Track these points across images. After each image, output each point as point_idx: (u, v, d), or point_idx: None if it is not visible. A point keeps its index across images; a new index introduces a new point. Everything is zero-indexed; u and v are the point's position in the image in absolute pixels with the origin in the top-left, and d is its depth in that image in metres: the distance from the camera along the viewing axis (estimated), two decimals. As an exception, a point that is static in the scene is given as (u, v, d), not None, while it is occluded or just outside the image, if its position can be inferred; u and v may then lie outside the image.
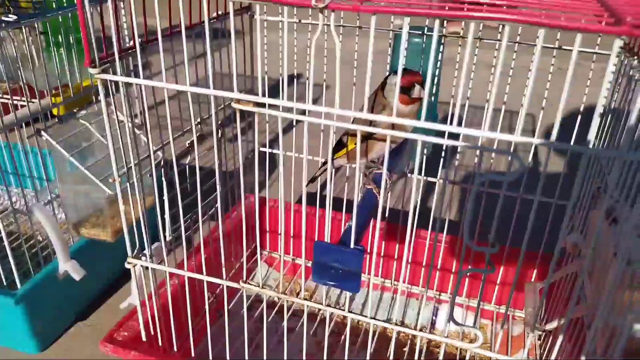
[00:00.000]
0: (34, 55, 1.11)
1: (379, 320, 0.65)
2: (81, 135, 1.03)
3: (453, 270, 1.09)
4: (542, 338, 0.95)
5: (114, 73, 0.63)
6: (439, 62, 0.92)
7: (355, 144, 0.76)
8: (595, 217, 0.75)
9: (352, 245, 0.60)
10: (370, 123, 0.55)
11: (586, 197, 0.84)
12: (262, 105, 0.57)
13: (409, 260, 1.08)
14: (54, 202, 1.10)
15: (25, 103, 0.99)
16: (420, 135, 0.53)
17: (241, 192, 0.66)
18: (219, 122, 0.95)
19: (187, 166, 0.95)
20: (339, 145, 0.79)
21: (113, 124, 0.67)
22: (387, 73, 0.76)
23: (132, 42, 0.67)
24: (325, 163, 0.87)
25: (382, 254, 1.14)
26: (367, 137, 0.73)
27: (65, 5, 1.05)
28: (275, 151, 1.07)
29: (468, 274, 1.04)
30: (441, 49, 0.92)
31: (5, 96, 1.00)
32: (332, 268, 0.61)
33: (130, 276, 0.79)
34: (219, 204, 0.74)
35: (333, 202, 0.62)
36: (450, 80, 0.90)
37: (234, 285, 0.72)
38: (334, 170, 0.91)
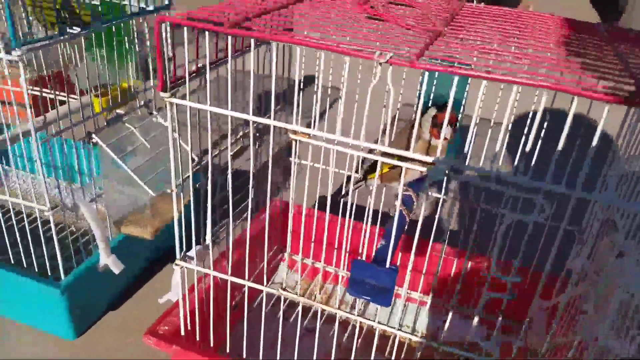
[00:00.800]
0: (76, 56, 1.18)
1: (405, 332, 0.73)
2: (126, 137, 1.10)
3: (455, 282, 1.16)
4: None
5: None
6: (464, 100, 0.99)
7: (390, 168, 0.84)
8: (604, 247, 0.82)
9: (387, 265, 0.68)
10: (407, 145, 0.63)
11: (593, 223, 0.91)
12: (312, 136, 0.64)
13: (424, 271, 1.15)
14: (98, 198, 1.17)
15: (65, 99, 1.05)
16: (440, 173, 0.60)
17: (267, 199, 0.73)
18: (258, 135, 1.02)
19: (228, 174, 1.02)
20: (373, 166, 0.86)
21: (174, 143, 0.75)
22: (418, 98, 0.83)
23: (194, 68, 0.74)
24: (358, 181, 0.94)
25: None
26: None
27: (112, 14, 1.12)
28: (304, 162, 1.14)
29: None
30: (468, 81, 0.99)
31: (48, 91, 1.06)
32: (367, 283, 0.69)
33: (155, 272, 0.87)
34: (249, 210, 0.81)
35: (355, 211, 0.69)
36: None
37: (273, 291, 0.79)
38: (368, 187, 0.98)
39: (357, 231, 1.24)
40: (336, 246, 1.24)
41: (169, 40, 0.66)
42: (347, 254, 1.26)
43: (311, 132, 0.63)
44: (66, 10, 1.05)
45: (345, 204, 1.07)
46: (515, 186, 0.58)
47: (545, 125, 0.79)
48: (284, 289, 0.77)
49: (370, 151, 0.69)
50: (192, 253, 0.86)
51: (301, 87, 0.70)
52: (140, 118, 1.15)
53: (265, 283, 0.84)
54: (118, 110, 1.16)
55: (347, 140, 0.62)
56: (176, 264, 0.84)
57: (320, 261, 1.27)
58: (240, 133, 0.95)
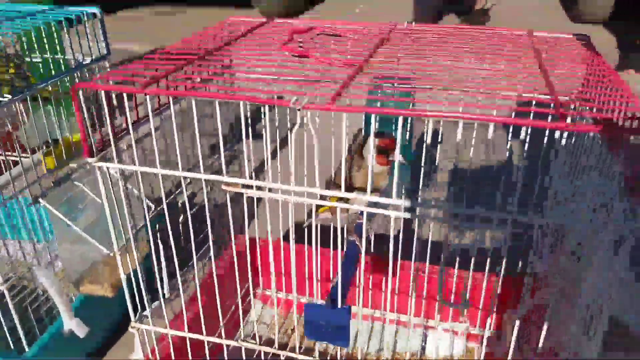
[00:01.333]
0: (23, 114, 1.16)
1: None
2: (76, 194, 1.08)
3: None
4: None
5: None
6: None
7: (336, 201, 0.83)
8: (562, 252, 0.82)
9: (339, 305, 0.66)
10: (349, 177, 0.62)
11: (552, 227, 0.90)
12: (250, 186, 0.63)
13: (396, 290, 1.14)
14: (54, 261, 1.14)
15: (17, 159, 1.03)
16: (392, 212, 0.59)
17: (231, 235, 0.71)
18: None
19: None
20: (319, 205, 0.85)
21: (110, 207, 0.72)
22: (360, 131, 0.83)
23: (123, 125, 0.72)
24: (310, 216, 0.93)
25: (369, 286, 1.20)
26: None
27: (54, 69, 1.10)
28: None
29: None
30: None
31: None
32: (322, 326, 0.67)
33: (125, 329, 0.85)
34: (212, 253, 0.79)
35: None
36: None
37: (234, 344, 0.77)
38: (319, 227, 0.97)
39: (326, 258, 1.23)
40: (307, 275, 1.22)
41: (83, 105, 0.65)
42: (318, 282, 1.25)
43: (242, 182, 0.62)
44: (19, 75, 1.05)
45: (310, 232, 1.06)
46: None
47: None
48: (244, 340, 0.75)
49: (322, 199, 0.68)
50: (148, 312, 0.83)
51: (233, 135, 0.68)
52: (90, 172, 1.13)
53: (241, 324, 0.81)
54: (71, 165, 1.14)
55: (282, 186, 0.61)
56: (132, 327, 0.81)
57: (292, 292, 1.26)
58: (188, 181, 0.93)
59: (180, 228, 0.95)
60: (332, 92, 0.57)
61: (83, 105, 0.64)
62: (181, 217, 0.91)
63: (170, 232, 0.78)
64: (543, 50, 0.73)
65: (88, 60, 1.12)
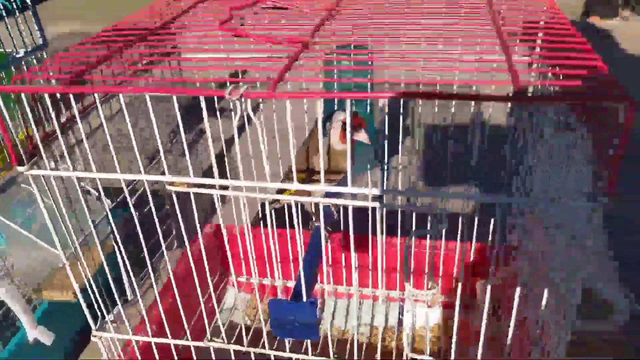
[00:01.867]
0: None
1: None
2: (26, 198, 1.02)
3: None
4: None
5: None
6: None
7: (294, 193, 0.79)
8: (531, 222, 0.79)
9: (304, 299, 0.63)
10: (308, 167, 0.58)
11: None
12: (197, 184, 0.58)
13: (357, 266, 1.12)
14: (10, 270, 1.08)
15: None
16: (350, 189, 0.55)
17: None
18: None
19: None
20: (280, 191, 0.81)
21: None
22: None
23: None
24: (273, 201, 0.88)
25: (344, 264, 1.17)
26: (309, 180, 0.75)
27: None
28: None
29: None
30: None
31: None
32: (289, 322, 0.64)
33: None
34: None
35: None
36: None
37: (200, 344, 0.74)
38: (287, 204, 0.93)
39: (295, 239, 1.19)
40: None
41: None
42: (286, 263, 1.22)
43: (188, 181, 0.57)
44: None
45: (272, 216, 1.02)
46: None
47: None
48: (210, 340, 0.72)
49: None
50: (109, 318, 0.79)
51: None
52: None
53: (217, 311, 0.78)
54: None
55: (229, 182, 0.57)
56: (93, 336, 0.77)
57: (266, 277, 1.23)
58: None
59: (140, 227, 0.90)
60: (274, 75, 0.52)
61: (2, 108, 0.58)
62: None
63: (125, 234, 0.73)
64: (500, 10, 0.69)
65: (22, 53, 1.04)
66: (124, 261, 0.78)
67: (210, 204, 0.71)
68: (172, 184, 0.58)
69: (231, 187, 0.57)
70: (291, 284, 1.21)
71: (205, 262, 0.74)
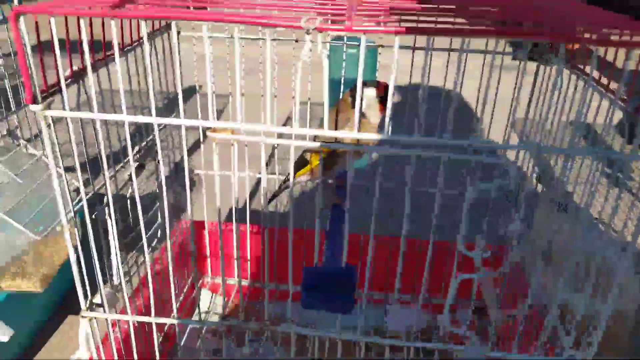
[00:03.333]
0: None
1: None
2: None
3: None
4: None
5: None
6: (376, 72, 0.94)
7: (319, 160, 0.75)
8: (543, 203, 0.81)
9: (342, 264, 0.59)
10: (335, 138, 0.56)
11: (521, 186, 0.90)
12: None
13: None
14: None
15: None
16: (390, 149, 0.53)
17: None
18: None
19: (127, 200, 0.87)
20: (301, 162, 0.77)
21: (58, 162, 0.60)
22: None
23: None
24: (285, 180, 0.84)
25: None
26: (330, 153, 0.72)
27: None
28: (211, 173, 1.02)
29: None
30: (378, 59, 0.94)
31: None
32: (323, 292, 0.60)
33: (58, 322, 0.71)
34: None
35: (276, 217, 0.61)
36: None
37: (195, 324, 0.67)
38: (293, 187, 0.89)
39: (283, 238, 1.14)
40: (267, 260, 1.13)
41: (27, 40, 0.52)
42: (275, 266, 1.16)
43: (235, 127, 0.53)
44: None
45: (265, 213, 0.97)
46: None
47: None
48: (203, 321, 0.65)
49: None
50: (98, 299, 0.71)
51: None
52: (5, 149, 0.96)
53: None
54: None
55: (280, 129, 0.53)
56: (82, 316, 0.68)
57: (246, 278, 1.16)
58: (137, 148, 0.81)
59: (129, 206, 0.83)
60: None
61: (26, 36, 0.52)
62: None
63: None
64: None
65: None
66: (107, 243, 0.71)
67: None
68: (213, 130, 0.54)
69: (277, 135, 0.54)
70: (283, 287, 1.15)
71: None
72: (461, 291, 0.76)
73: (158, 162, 0.84)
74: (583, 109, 0.54)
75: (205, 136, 0.54)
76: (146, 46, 0.51)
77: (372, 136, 0.61)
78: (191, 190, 1.14)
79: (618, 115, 0.68)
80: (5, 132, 0.97)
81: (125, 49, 0.71)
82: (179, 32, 0.91)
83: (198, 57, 0.85)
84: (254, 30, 0.81)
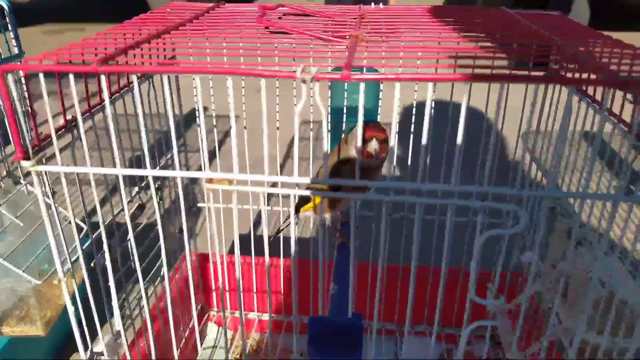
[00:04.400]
0: None
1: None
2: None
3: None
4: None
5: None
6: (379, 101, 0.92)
7: (322, 198, 0.73)
8: (557, 237, 0.78)
9: (349, 314, 0.57)
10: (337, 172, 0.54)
11: (535, 217, 0.87)
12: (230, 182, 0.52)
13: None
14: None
15: None
16: (384, 197, 0.51)
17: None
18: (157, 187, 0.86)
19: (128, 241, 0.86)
20: (304, 199, 0.75)
21: (52, 217, 0.58)
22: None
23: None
24: (288, 217, 0.82)
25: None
26: (335, 190, 0.70)
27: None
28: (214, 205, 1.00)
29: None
30: (380, 87, 0.92)
31: None
32: (331, 342, 0.57)
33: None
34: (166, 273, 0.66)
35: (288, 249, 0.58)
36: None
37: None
38: (296, 223, 0.87)
39: (288, 270, 1.12)
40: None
41: (21, 95, 0.51)
42: (277, 297, 1.14)
43: (232, 178, 0.51)
44: None
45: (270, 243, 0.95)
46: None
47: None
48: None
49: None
50: (99, 348, 0.69)
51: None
52: (5, 192, 0.95)
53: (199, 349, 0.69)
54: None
55: (280, 179, 0.51)
56: (83, 368, 0.66)
57: (254, 311, 1.14)
58: (136, 189, 0.79)
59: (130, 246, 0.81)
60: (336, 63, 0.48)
61: (14, 92, 0.50)
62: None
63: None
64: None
65: (-3, 59, 0.94)
66: (108, 290, 0.69)
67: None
68: (210, 181, 0.52)
69: (280, 185, 0.52)
70: (282, 318, 1.13)
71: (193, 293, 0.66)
72: (474, 319, 0.74)
73: (161, 199, 0.82)
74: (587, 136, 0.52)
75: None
76: (137, 99, 0.49)
77: (376, 183, 0.58)
78: (195, 222, 1.12)
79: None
80: (5, 174, 0.96)
81: (121, 92, 0.69)
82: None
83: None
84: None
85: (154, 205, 0.65)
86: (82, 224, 0.91)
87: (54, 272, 0.88)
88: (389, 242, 0.57)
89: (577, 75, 0.50)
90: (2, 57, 0.96)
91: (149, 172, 0.52)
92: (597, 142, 0.54)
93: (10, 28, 0.96)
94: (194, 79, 0.91)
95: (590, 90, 0.72)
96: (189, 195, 1.02)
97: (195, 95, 0.55)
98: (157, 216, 0.63)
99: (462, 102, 0.46)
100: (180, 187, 0.54)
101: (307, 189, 0.76)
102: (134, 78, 0.48)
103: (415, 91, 0.81)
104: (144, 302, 0.72)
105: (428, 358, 1.05)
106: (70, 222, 0.68)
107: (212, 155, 1.04)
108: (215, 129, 0.88)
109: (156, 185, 0.87)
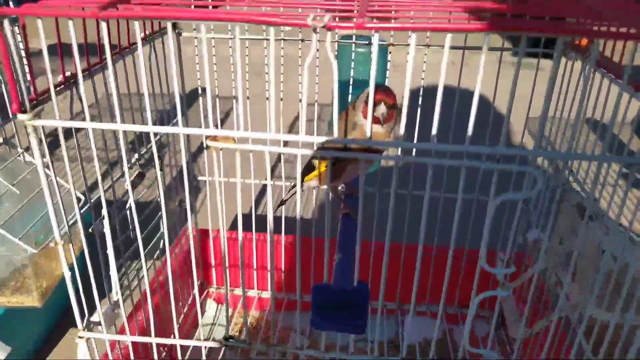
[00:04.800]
0: None
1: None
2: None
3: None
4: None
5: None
6: (387, 71, 0.90)
7: (327, 166, 0.71)
8: (565, 213, 0.76)
9: (355, 282, 0.55)
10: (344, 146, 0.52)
11: (542, 195, 0.85)
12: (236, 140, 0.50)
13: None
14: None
15: None
16: (397, 156, 0.49)
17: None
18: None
19: (128, 209, 0.84)
20: (309, 167, 0.73)
21: (50, 180, 0.56)
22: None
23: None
24: (294, 186, 0.80)
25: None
26: (340, 159, 0.68)
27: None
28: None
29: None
30: (388, 58, 0.90)
31: None
32: (334, 311, 0.55)
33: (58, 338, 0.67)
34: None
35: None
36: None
37: (213, 344, 0.63)
38: (301, 192, 0.85)
39: (290, 247, 1.10)
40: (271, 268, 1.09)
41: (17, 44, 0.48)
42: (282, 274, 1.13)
43: (236, 135, 0.49)
44: None
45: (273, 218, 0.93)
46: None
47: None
48: (228, 339, 0.61)
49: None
50: (97, 317, 0.67)
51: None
52: (1, 158, 0.93)
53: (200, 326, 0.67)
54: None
55: (286, 137, 0.49)
56: (80, 337, 0.64)
57: (253, 288, 1.12)
58: (136, 155, 0.77)
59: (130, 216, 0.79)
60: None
61: (10, 41, 0.48)
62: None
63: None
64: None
65: None
66: (106, 257, 0.67)
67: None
68: (214, 138, 0.49)
69: (282, 143, 0.50)
70: (282, 296, 1.12)
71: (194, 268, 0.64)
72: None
73: (162, 170, 0.80)
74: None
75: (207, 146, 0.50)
76: (140, 50, 0.47)
77: (386, 144, 0.56)
78: (195, 197, 1.10)
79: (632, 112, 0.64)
80: (1, 141, 0.93)
81: (122, 52, 0.67)
82: (180, 34, 0.88)
83: (202, 59, 0.81)
84: (258, 30, 0.77)
85: (156, 169, 0.63)
86: (80, 195, 0.89)
87: (50, 241, 0.86)
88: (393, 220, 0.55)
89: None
90: None
91: (149, 128, 0.50)
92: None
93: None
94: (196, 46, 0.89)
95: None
96: (190, 170, 1.00)
97: (197, 49, 0.53)
98: (159, 183, 0.61)
99: (474, 68, 0.44)
100: (183, 144, 0.52)
101: (312, 157, 0.75)
102: (136, 25, 0.46)
103: (425, 54, 0.79)
104: (144, 272, 0.70)
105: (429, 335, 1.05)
106: (68, 190, 0.66)
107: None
108: (218, 107, 0.87)
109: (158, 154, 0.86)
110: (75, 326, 0.66)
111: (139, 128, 0.51)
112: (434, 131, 0.49)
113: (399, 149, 0.74)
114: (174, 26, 0.86)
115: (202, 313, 1.11)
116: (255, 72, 0.89)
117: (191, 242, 0.68)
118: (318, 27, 0.42)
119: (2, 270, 0.87)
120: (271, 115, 0.48)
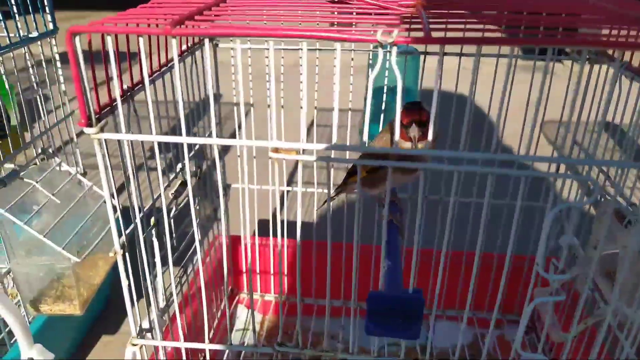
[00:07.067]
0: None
1: None
2: (28, 196, 0.89)
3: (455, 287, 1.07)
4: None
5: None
6: (419, 80, 0.91)
7: (367, 172, 0.72)
8: (599, 218, 0.77)
9: (410, 290, 0.56)
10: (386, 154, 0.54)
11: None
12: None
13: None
14: (4, 279, 0.92)
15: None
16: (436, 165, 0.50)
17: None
18: (198, 167, 0.86)
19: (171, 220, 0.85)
20: (351, 171, 0.75)
21: (111, 189, 0.57)
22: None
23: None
24: (340, 186, 0.81)
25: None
26: (373, 171, 0.70)
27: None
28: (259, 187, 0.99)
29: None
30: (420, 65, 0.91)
31: None
32: (389, 318, 0.57)
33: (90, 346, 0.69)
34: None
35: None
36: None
37: (266, 350, 0.65)
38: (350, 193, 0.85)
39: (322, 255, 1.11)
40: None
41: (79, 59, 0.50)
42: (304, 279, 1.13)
43: (299, 147, 0.50)
44: None
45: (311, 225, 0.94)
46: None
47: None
48: (280, 345, 0.63)
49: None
50: (147, 324, 0.68)
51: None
52: (40, 169, 0.94)
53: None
54: (12, 165, 0.94)
55: (345, 148, 0.50)
56: (133, 344, 0.66)
57: (284, 294, 1.13)
58: (179, 166, 0.79)
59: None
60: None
61: (80, 57, 0.50)
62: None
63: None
64: None
65: (35, 34, 0.93)
66: (150, 266, 0.68)
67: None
68: (276, 150, 0.51)
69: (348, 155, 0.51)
70: (310, 301, 1.13)
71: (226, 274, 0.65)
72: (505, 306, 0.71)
73: (197, 178, 0.82)
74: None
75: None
76: (176, 67, 0.48)
77: (416, 151, 0.58)
78: (226, 204, 1.12)
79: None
80: (40, 151, 0.95)
81: (163, 68, 0.69)
82: (217, 45, 0.89)
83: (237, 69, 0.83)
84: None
85: (187, 178, 0.64)
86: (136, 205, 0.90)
87: (90, 252, 0.88)
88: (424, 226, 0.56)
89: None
90: (39, 32, 0.96)
91: (214, 140, 0.51)
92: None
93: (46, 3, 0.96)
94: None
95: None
96: (224, 178, 1.02)
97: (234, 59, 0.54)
98: (189, 193, 0.63)
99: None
100: (217, 154, 0.53)
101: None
102: (206, 41, 0.48)
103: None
104: (184, 279, 0.72)
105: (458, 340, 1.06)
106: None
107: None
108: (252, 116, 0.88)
109: (195, 166, 0.87)
110: (108, 333, 0.67)
111: (200, 140, 0.52)
112: (462, 139, 0.51)
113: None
114: (211, 38, 0.88)
115: (234, 319, 1.12)
116: (261, 77, 0.89)
117: (224, 248, 0.69)
118: (388, 42, 0.43)
119: (42, 280, 0.88)
120: (335, 125, 0.50)
